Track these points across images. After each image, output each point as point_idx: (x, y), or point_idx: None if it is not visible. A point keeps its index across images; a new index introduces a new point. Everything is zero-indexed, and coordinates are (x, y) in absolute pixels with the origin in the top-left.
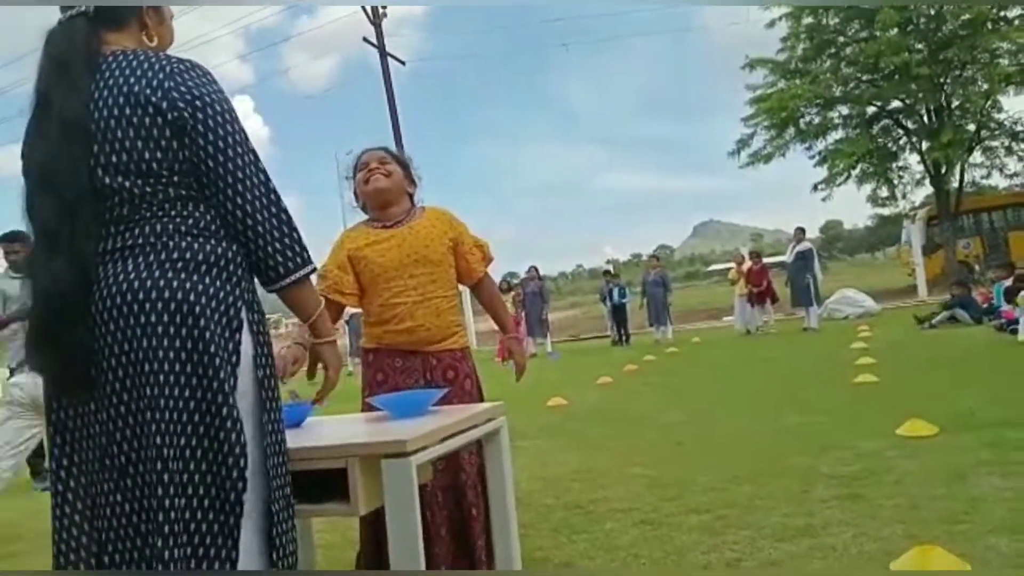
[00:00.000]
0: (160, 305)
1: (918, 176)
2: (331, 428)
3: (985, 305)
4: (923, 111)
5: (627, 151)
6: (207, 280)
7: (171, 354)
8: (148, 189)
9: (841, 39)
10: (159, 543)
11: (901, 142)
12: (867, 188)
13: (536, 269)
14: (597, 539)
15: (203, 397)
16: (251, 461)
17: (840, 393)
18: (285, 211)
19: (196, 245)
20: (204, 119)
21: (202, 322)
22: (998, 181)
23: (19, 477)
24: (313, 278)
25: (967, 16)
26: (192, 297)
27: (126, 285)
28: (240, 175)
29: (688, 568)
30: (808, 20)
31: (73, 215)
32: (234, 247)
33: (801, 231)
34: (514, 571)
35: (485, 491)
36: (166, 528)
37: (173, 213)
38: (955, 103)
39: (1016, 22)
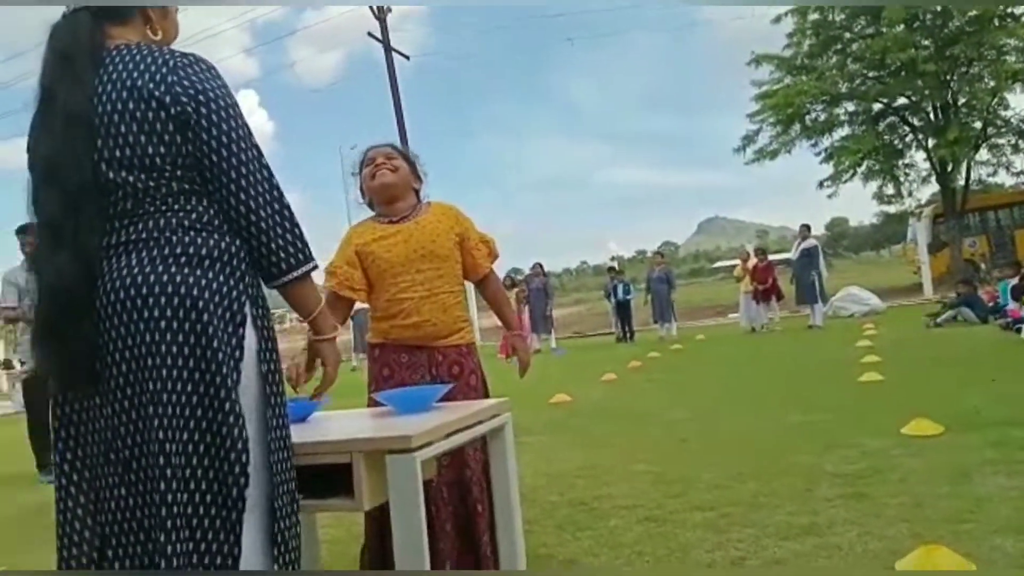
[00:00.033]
0: (164, 300)
1: (924, 173)
2: (336, 423)
3: (991, 304)
4: (929, 108)
5: (631, 146)
6: (211, 275)
7: (174, 348)
8: (151, 184)
9: (847, 35)
10: (161, 537)
11: (907, 139)
12: (873, 185)
13: (541, 266)
14: (601, 536)
15: (205, 392)
16: (254, 456)
17: (845, 391)
18: (287, 207)
19: (200, 240)
20: (207, 114)
21: (205, 317)
22: (1004, 179)
23: (25, 470)
24: (318, 275)
25: (974, 12)
26: (196, 292)
27: (130, 280)
28: (243, 171)
29: (692, 566)
30: (814, 16)
31: (77, 209)
32: (237, 242)
33: (806, 228)
34: (519, 571)
35: (490, 487)
36: (168, 523)
37: (176, 208)
38: (962, 100)
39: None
